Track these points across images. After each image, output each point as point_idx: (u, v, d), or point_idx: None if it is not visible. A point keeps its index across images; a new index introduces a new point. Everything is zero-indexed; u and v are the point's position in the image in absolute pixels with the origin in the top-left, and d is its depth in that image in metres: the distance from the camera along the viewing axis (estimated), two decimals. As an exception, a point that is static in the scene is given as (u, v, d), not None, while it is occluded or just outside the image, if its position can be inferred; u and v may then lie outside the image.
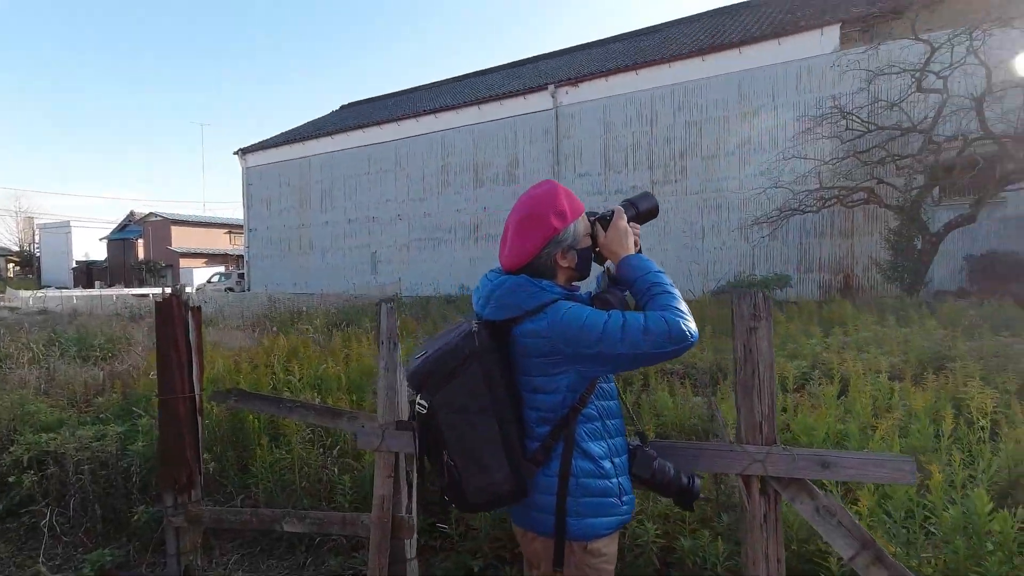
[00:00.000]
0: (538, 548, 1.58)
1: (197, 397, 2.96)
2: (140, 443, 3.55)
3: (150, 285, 36.21)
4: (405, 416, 2.63)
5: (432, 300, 16.09)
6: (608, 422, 1.61)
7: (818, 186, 12.19)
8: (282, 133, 27.58)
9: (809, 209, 12.74)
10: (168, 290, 2.99)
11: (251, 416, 3.71)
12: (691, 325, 1.47)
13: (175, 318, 2.92)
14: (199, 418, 2.99)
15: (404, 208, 21.68)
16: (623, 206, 1.79)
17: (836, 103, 12.35)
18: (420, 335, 7.22)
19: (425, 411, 1.55)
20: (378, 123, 22.22)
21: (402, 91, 27.88)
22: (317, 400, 3.83)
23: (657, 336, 1.44)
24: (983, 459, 2.84)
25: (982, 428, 3.08)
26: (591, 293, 1.77)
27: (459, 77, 25.91)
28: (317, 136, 24.05)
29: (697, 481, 1.72)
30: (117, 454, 3.55)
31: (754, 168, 14.96)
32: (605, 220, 1.72)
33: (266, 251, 25.94)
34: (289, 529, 2.74)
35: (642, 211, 1.82)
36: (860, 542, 1.81)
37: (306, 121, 29.51)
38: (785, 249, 14.57)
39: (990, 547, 2.26)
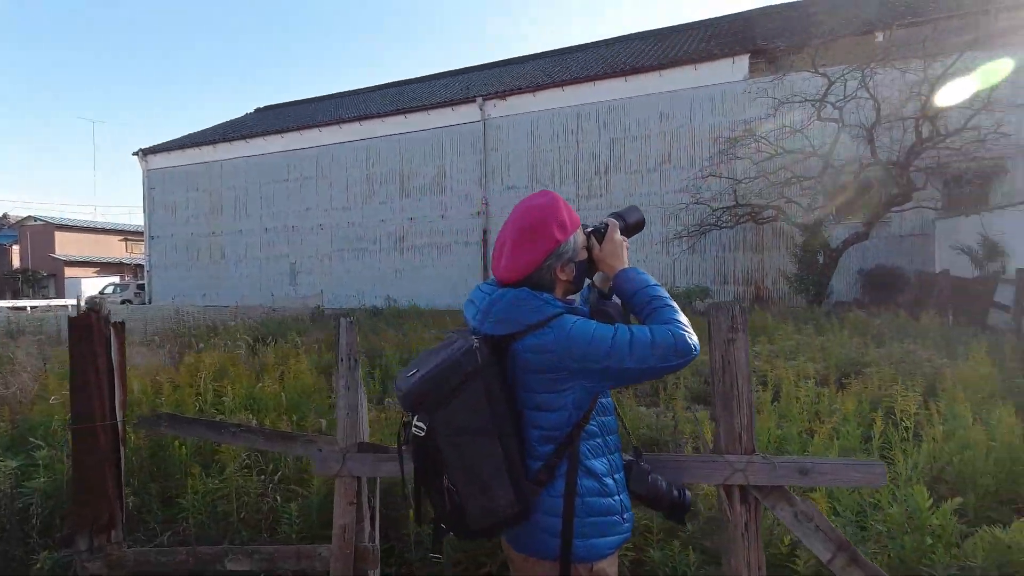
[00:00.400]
0: (541, 573, 1.50)
1: (120, 425, 2.62)
2: (41, 479, 3.11)
3: (28, 296, 32.50)
4: (365, 438, 2.48)
5: (357, 312, 15.55)
6: (608, 438, 1.58)
7: (733, 203, 13.01)
8: (190, 135, 25.80)
9: (725, 225, 13.57)
10: (84, 303, 2.65)
11: (177, 443, 3.35)
12: (695, 338, 1.47)
13: (95, 336, 2.58)
14: (122, 448, 2.65)
15: (326, 217, 20.89)
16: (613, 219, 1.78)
17: (748, 127, 13.27)
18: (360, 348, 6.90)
19: (423, 433, 1.43)
20: (299, 128, 21.32)
21: (324, 96, 26.98)
22: (253, 423, 3.53)
23: (664, 350, 1.43)
24: (911, 457, 3.07)
25: (906, 428, 3.34)
26: (582, 306, 1.73)
27: (384, 85, 25.47)
28: (230, 139, 22.70)
29: (687, 494, 1.71)
30: (12, 493, 3.09)
31: (674, 185, 15.74)
32: (600, 233, 1.69)
33: (171, 260, 24.05)
34: (233, 567, 2.48)
35: (630, 224, 1.81)
36: (836, 544, 1.88)
37: (217, 123, 27.80)
38: (703, 262, 15.40)
39: (929, 541, 2.42)
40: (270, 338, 7.37)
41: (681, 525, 1.84)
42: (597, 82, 16.66)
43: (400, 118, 19.59)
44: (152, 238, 24.54)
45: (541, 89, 17.50)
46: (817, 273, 11.93)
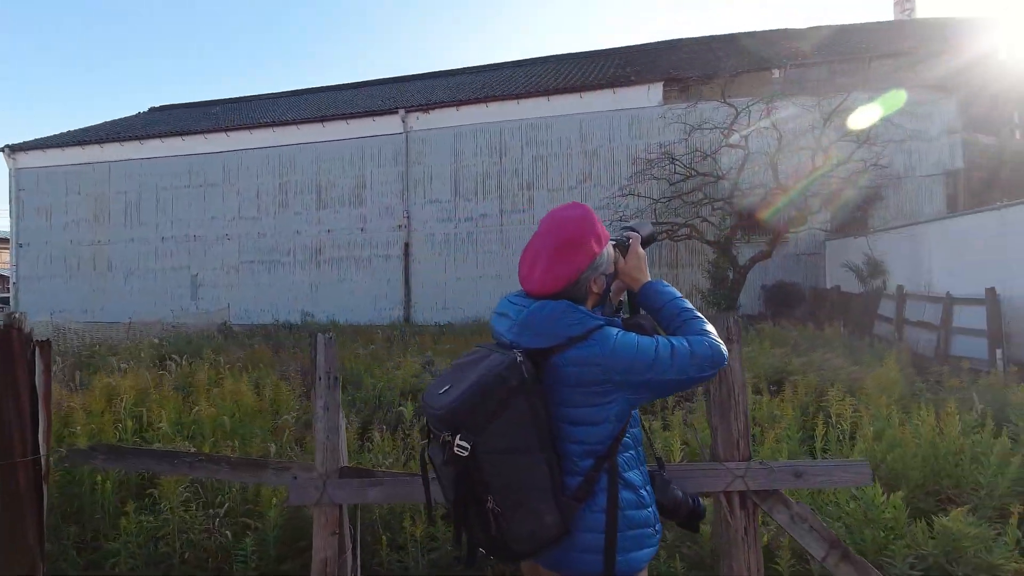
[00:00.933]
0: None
1: (43, 460, 2.26)
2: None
3: None
4: (345, 462, 2.31)
5: (270, 328, 14.70)
6: (639, 449, 1.58)
7: (659, 221, 13.71)
8: (71, 132, 23.30)
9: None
10: (1, 318, 2.27)
11: (100, 478, 2.95)
12: (725, 347, 1.52)
13: (15, 356, 2.22)
14: (44, 487, 2.28)
15: (233, 227, 19.57)
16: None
17: (664, 150, 14.06)
18: (286, 365, 6.49)
19: (466, 453, 1.35)
20: (203, 132, 19.91)
21: (229, 99, 25.43)
22: (191, 450, 3.18)
23: (702, 360, 1.46)
24: (850, 456, 3.33)
25: (842, 430, 3.63)
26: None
27: (300, 91, 24.46)
28: (121, 139, 20.75)
29: (701, 502, 1.74)
30: None
31: (594, 202, 16.26)
32: (624, 246, 1.70)
33: (44, 271, 21.44)
34: (188, 616, 2.20)
35: (645, 237, 1.84)
36: (829, 543, 1.98)
37: (103, 121, 25.33)
38: (621, 277, 16.01)
39: (882, 534, 2.62)
40: (179, 357, 6.73)
41: (695, 532, 1.87)
42: (521, 100, 16.99)
43: (318, 126, 18.86)
44: (20, 246, 21.77)
45: (465, 104, 17.56)
46: (728, 288, 12.79)
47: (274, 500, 2.73)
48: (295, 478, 2.22)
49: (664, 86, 15.88)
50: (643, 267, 1.69)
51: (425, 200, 17.92)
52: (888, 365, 4.77)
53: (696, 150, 13.40)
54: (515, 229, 17.03)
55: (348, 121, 18.61)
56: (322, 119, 18.81)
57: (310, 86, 25.43)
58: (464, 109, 17.55)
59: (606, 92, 16.32)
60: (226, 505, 2.94)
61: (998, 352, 6.64)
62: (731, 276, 12.83)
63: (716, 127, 12.93)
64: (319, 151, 18.89)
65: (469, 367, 1.46)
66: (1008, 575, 2.36)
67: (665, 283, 1.69)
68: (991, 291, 6.83)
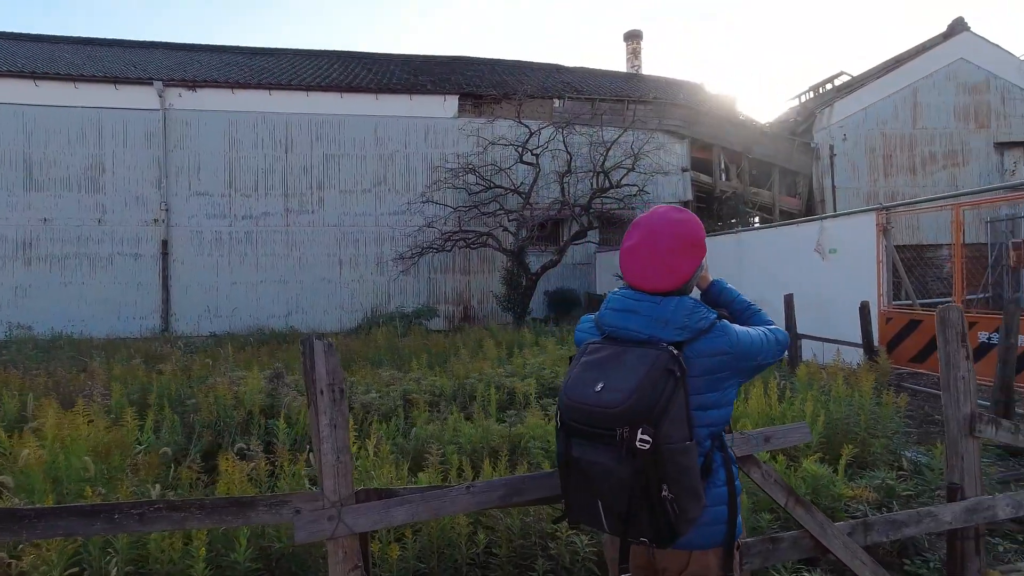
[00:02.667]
0: (704, 563, 1.59)
1: None
2: None
3: None
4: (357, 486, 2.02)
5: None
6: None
7: (457, 229, 14.17)
8: None
9: (443, 248, 14.59)
10: None
11: None
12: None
13: None
14: None
15: None
16: None
17: (463, 161, 14.66)
18: (46, 388, 4.99)
19: (648, 446, 1.38)
20: None
21: None
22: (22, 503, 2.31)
23: (781, 346, 1.75)
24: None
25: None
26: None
27: (6, 34, 18.72)
28: None
29: None
30: None
31: (389, 207, 16.10)
32: None
33: None
34: None
35: None
36: (787, 492, 2.46)
37: None
38: (417, 283, 16.10)
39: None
40: None
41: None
42: (311, 92, 15.86)
43: (28, 84, 14.73)
44: None
45: (244, 87, 15.67)
46: (521, 294, 13.90)
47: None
48: (298, 512, 1.86)
49: (460, 99, 16.53)
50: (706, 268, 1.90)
51: (191, 192, 15.42)
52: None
53: (492, 163, 14.32)
54: (304, 231, 15.79)
55: (78, 84, 14.98)
56: (37, 76, 14.78)
57: (23, 30, 19.21)
58: (242, 93, 15.65)
59: (403, 97, 16.29)
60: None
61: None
62: (524, 283, 13.98)
63: (511, 144, 13.99)
64: (28, 116, 14.78)
65: (617, 364, 1.49)
66: (847, 499, 3.20)
67: (725, 281, 1.93)
68: (734, 295, 8.91)
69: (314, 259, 15.77)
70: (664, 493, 1.40)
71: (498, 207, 14.32)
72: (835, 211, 14.74)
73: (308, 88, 15.93)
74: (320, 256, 15.80)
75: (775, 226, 10.39)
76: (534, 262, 14.47)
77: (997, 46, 15.92)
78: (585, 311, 15.82)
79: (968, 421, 2.79)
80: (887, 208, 6.44)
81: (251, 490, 2.64)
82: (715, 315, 1.61)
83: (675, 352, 1.47)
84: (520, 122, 13.82)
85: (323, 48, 21.11)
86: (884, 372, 4.63)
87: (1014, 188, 8.44)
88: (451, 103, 16.48)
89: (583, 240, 14.21)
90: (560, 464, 1.59)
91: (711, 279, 1.90)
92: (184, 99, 15.49)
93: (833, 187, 15.40)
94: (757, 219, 17.20)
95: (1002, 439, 2.96)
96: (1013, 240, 11.19)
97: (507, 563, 2.66)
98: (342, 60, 19.80)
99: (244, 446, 3.17)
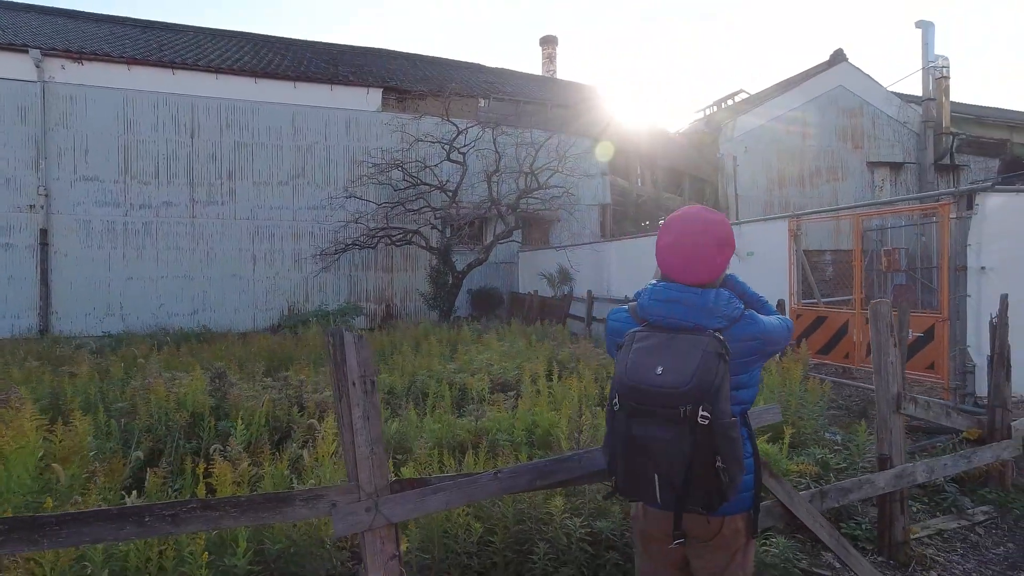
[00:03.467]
0: (734, 528, 1.77)
1: None
2: None
3: None
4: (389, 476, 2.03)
5: None
6: None
7: (384, 226, 13.86)
8: None
9: (366, 245, 14.22)
10: None
11: None
12: None
13: None
14: None
15: None
16: None
17: (387, 156, 14.36)
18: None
19: (708, 421, 1.53)
20: None
21: None
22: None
23: (790, 332, 1.99)
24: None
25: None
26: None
27: None
28: None
29: None
30: None
31: (308, 201, 15.42)
32: None
33: None
34: None
35: None
36: (763, 465, 2.73)
37: None
38: (337, 281, 15.55)
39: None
40: None
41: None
42: (221, 75, 14.82)
43: None
44: None
45: (142, 64, 14.32)
46: (447, 292, 13.86)
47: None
48: (334, 505, 1.84)
49: (383, 93, 16.15)
50: None
51: (76, 176, 13.87)
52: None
53: (418, 161, 14.15)
54: (212, 224, 14.72)
55: (-68, 48, 12.99)
56: None
57: None
58: (140, 70, 14.30)
59: (323, 87, 15.65)
60: None
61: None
62: (450, 281, 13.96)
63: (438, 141, 13.90)
64: None
65: (671, 349, 1.63)
66: (792, 474, 3.58)
67: (736, 275, 2.13)
68: (659, 294, 9.49)
69: (224, 254, 14.75)
70: (718, 463, 1.56)
71: (424, 204, 14.18)
72: (738, 218, 16.05)
73: (218, 70, 14.87)
74: (231, 251, 14.81)
75: None
76: (459, 260, 14.47)
77: (868, 76, 18.08)
78: (508, 310, 16.05)
79: (896, 400, 3.23)
80: (798, 216, 7.21)
81: (240, 492, 2.51)
82: (742, 305, 1.80)
83: (722, 338, 1.64)
84: (448, 120, 13.77)
85: (229, 29, 19.78)
86: (805, 362, 5.18)
87: (919, 200, 9.67)
88: (374, 96, 16.07)
89: (508, 240, 14.41)
90: (616, 443, 1.69)
91: (726, 273, 2.09)
92: (68, 72, 13.90)
93: (736, 195, 16.75)
94: (647, 224, 18.29)
95: (919, 415, 3.45)
96: (884, 248, 12.71)
97: (506, 549, 2.73)
98: (253, 43, 18.66)
99: (220, 447, 2.98)
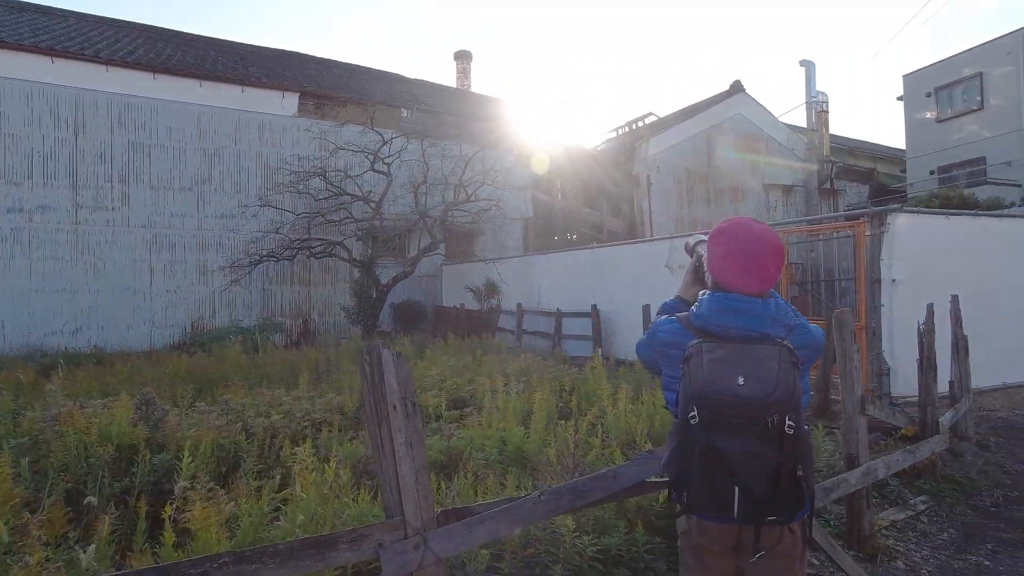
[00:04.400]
0: (796, 533, 1.77)
1: None
2: None
3: None
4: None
5: None
6: None
7: (304, 237, 13.11)
8: None
9: (284, 257, 13.37)
10: None
11: None
12: None
13: None
14: None
15: None
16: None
17: (305, 163, 13.64)
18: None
19: (793, 431, 1.52)
20: None
21: None
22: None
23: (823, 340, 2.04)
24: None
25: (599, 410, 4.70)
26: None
27: None
28: None
29: None
30: None
31: (216, 209, 14.27)
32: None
33: None
34: None
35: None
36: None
37: None
38: (249, 295, 14.47)
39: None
40: None
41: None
42: (112, 67, 13.40)
43: None
44: None
45: (12, 49, 12.64)
46: (371, 306, 13.34)
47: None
48: (381, 545, 1.63)
49: (300, 98, 15.38)
50: None
51: (-75, 174, 11.91)
52: (592, 367, 6.28)
53: (340, 170, 13.58)
54: (100, 232, 13.19)
55: None
56: None
57: None
58: (9, 55, 12.61)
59: (233, 88, 14.62)
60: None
61: (599, 351, 9.43)
62: (374, 295, 13.44)
63: (362, 151, 13.43)
64: None
65: (746, 360, 1.61)
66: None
67: None
68: (594, 308, 9.70)
69: (115, 265, 13.24)
70: (799, 472, 1.56)
71: (346, 215, 13.60)
72: (652, 234, 16.89)
73: (108, 62, 13.44)
74: (124, 261, 13.32)
75: (629, 243, 11.57)
76: (383, 273, 14.00)
77: (763, 106, 19.84)
78: (433, 324, 15.73)
79: (860, 402, 3.46)
80: (727, 231, 7.68)
81: (223, 534, 2.17)
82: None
83: (791, 347, 1.64)
84: (373, 129, 13.35)
85: (118, 17, 18.02)
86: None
87: (848, 217, 10.55)
88: (290, 101, 15.25)
89: (433, 252, 14.15)
90: (689, 457, 1.64)
91: None
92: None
93: (650, 212, 17.62)
94: (574, 236, 18.91)
95: (877, 415, 3.73)
96: (790, 262, 13.91)
97: (516, 575, 2.59)
98: (147, 35, 17.09)
99: (187, 484, 2.56)
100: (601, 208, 18.23)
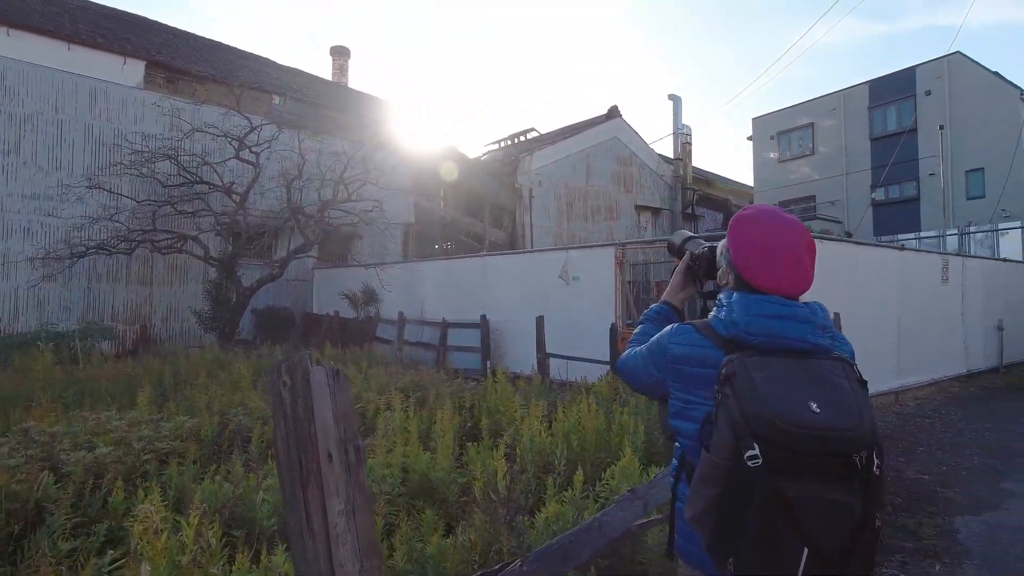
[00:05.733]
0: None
1: None
2: None
3: None
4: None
5: None
6: None
7: (147, 228, 11.19)
8: None
9: (119, 250, 11.31)
10: None
11: None
12: None
13: None
14: None
15: None
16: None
17: (156, 144, 11.73)
18: None
19: (879, 471, 1.19)
20: None
21: None
22: None
23: None
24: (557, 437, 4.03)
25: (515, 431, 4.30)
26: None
27: None
28: None
29: None
30: None
31: (25, 187, 11.71)
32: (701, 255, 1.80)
33: None
34: None
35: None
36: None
37: None
38: (67, 293, 12.01)
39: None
40: None
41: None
42: None
43: None
44: None
45: None
46: (230, 311, 11.73)
47: None
48: None
49: (148, 67, 13.27)
50: None
51: None
52: (504, 389, 5.80)
53: (196, 155, 11.88)
54: None
55: None
56: None
57: None
58: None
59: (56, 44, 12.22)
60: None
61: (488, 363, 9.02)
62: (234, 298, 11.85)
63: (225, 136, 11.86)
64: None
65: (811, 379, 1.27)
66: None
67: None
68: (484, 318, 9.27)
69: None
70: (877, 523, 1.24)
71: (203, 206, 11.86)
72: (532, 246, 16.99)
73: None
74: None
75: (522, 252, 11.33)
76: (245, 275, 12.40)
77: (636, 132, 21.07)
78: (301, 332, 14.28)
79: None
80: (623, 244, 7.73)
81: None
82: None
83: (853, 363, 1.34)
84: (239, 112, 11.83)
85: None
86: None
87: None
88: (134, 69, 13.10)
89: (304, 255, 12.85)
90: (742, 509, 1.25)
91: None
92: None
93: (531, 224, 17.74)
94: (451, 245, 18.54)
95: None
96: (656, 280, 14.62)
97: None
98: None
99: None
100: (484, 218, 18.01)
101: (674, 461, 1.61)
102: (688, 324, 1.49)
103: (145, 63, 13.22)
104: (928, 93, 17.67)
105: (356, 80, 61.08)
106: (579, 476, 3.19)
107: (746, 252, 1.46)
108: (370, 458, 3.80)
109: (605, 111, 20.86)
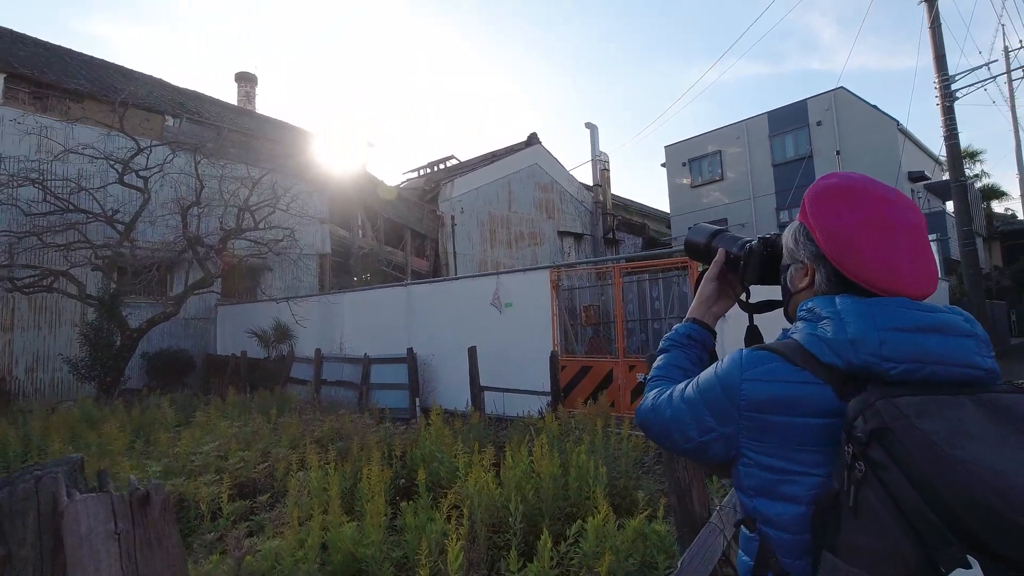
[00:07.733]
0: None
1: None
2: None
3: None
4: None
5: None
6: None
7: (6, 263, 9.56)
8: None
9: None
10: None
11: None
12: None
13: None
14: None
15: None
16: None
17: (17, 166, 10.14)
18: None
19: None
20: None
21: None
22: None
23: None
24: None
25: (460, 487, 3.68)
26: None
27: None
28: None
29: None
30: None
31: None
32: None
33: None
34: None
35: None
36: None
37: None
38: (-101, 346, 9.98)
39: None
40: None
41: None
42: None
43: None
44: None
45: None
46: (113, 357, 10.19)
47: None
48: None
49: (7, 81, 11.61)
50: None
51: None
52: (436, 424, 5.13)
53: (69, 179, 10.41)
54: None
55: None
56: None
57: None
58: None
59: None
60: None
61: (417, 401, 8.26)
62: (118, 342, 10.33)
63: (106, 158, 10.47)
64: None
65: (1012, 431, 0.79)
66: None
67: None
68: (411, 351, 8.52)
69: None
70: None
71: (78, 237, 10.34)
72: (456, 274, 16.41)
73: None
74: None
75: (450, 280, 10.67)
76: (132, 315, 10.89)
77: (556, 159, 21.27)
78: (203, 377, 12.72)
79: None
80: (559, 267, 7.36)
81: None
82: None
83: None
84: (124, 134, 10.51)
85: None
86: (606, 415, 4.94)
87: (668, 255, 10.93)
88: (-7, 83, 11.41)
89: (205, 290, 11.49)
90: None
91: None
92: None
93: (455, 252, 17.19)
94: (368, 276, 17.63)
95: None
96: (584, 304, 14.51)
97: None
98: None
99: None
100: (405, 247, 17.25)
101: (742, 557, 1.09)
102: (765, 350, 0.99)
103: (4, 75, 11.55)
104: (819, 123, 19.13)
105: (264, 109, 58.59)
106: (545, 539, 2.63)
107: (848, 235, 0.96)
108: (278, 537, 3.03)
109: (525, 138, 20.91)
